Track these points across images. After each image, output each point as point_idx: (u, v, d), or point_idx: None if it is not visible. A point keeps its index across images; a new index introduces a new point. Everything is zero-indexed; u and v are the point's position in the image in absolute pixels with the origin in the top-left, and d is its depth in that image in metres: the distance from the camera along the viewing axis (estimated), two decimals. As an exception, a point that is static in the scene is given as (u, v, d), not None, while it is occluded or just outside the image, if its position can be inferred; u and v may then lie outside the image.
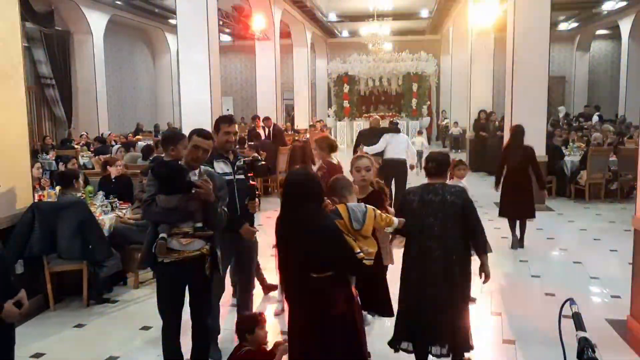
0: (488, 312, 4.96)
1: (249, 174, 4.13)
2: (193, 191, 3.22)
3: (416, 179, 7.21)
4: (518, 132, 6.99)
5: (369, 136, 9.01)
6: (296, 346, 2.89)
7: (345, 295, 2.83)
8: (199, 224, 3.29)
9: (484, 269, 3.45)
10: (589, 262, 6.32)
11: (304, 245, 2.72)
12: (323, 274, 2.72)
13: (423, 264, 3.37)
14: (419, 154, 12.53)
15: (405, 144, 8.53)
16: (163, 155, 3.40)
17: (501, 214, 7.06)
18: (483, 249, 3.48)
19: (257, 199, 4.24)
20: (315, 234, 2.70)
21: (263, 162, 4.35)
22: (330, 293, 2.76)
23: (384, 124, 12.44)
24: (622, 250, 6.45)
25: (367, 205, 3.04)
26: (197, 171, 3.40)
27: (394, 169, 8.11)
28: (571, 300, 1.63)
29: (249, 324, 3.31)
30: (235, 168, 4.00)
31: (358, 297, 3.02)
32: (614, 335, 4.36)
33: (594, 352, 1.46)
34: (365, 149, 8.18)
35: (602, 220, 8.51)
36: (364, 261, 2.79)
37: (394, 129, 8.86)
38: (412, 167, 8.71)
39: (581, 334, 1.51)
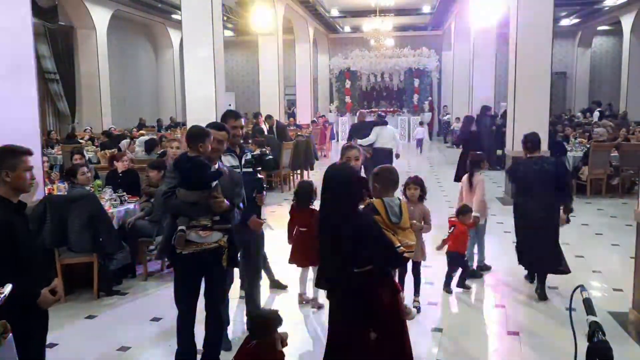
0: (492, 305, 5.04)
1: (257, 168, 4.22)
2: (213, 184, 3.29)
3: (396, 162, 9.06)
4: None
5: (360, 129, 10.10)
6: (337, 337, 2.92)
7: (388, 288, 2.86)
8: (217, 217, 3.37)
9: (566, 214, 5.16)
10: (591, 256, 6.39)
11: (344, 242, 2.72)
12: (364, 268, 2.75)
13: (530, 211, 5.15)
14: (420, 141, 17.72)
15: (392, 135, 9.65)
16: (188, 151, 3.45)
17: None
18: (569, 199, 5.19)
19: (264, 192, 4.33)
20: (355, 231, 2.70)
21: (270, 157, 4.42)
22: (373, 287, 2.79)
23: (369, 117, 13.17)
24: (623, 244, 6.52)
25: (400, 198, 3.01)
26: (215, 166, 3.48)
27: (383, 156, 9.03)
28: (582, 287, 1.70)
29: (266, 325, 3.24)
30: (243, 162, 4.09)
31: (402, 292, 3.06)
32: (616, 328, 4.43)
33: (604, 335, 1.53)
34: (359, 141, 9.12)
35: (603, 215, 8.58)
36: (405, 254, 2.79)
37: (382, 122, 9.98)
38: (397, 156, 9.64)
39: (592, 318, 1.58)
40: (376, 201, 2.91)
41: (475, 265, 5.87)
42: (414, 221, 4.65)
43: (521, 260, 5.38)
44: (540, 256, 5.15)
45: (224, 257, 3.45)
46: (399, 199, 2.96)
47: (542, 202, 5.06)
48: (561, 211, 5.12)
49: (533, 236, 5.19)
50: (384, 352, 2.79)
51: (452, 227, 5.27)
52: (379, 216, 2.83)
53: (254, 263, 4.45)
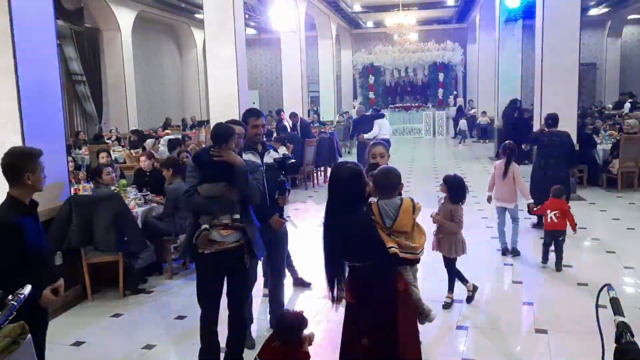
0: (519, 302, 4.94)
1: (281, 172, 4.21)
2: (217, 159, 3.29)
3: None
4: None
5: (363, 124, 10.75)
6: (347, 331, 3.01)
7: (389, 282, 2.86)
8: (237, 215, 3.37)
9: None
10: (622, 251, 6.22)
11: (345, 237, 2.82)
12: (364, 263, 2.81)
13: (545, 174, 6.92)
14: (463, 133, 19.03)
15: (388, 126, 11.00)
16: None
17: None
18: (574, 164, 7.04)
19: (287, 193, 4.32)
20: (352, 227, 2.78)
21: (293, 160, 4.41)
22: (372, 280, 2.81)
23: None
24: (657, 239, 6.33)
25: (404, 198, 2.89)
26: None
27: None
28: (609, 286, 1.63)
29: (291, 329, 3.20)
30: (264, 165, 4.08)
31: (414, 292, 3.04)
32: (649, 325, 4.31)
33: (632, 336, 1.47)
34: (365, 135, 10.12)
35: (635, 209, 8.34)
36: (404, 255, 2.74)
37: (381, 115, 11.25)
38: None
39: (619, 318, 1.52)
40: (372, 203, 2.89)
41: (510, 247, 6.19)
42: (437, 216, 4.64)
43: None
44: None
45: (245, 256, 3.44)
46: (401, 200, 2.85)
47: (557, 170, 7.00)
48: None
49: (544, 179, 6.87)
50: (378, 351, 2.82)
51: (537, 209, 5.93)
52: (375, 217, 2.82)
53: (277, 261, 4.44)
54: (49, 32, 5.09)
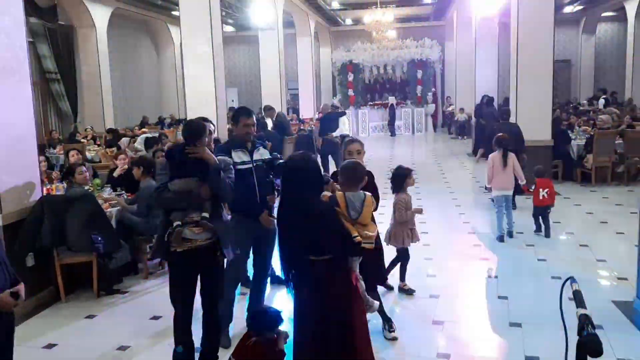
0: (495, 296, 4.99)
1: (270, 172, 4.21)
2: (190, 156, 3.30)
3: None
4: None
5: (331, 121, 11.01)
6: (301, 327, 2.97)
7: (345, 279, 2.88)
8: (206, 214, 3.34)
9: None
10: (595, 245, 6.32)
11: (303, 230, 2.80)
12: (322, 257, 2.80)
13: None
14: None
15: (348, 124, 12.05)
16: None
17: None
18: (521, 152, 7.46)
19: (275, 193, 4.33)
20: (314, 219, 2.77)
21: (282, 161, 4.40)
22: (330, 276, 2.82)
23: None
24: (629, 232, 6.44)
25: (366, 193, 3.05)
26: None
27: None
28: (572, 279, 1.65)
29: (265, 322, 3.19)
30: (254, 162, 4.06)
31: (360, 286, 3.06)
32: (620, 317, 4.38)
33: (594, 328, 1.49)
34: (335, 133, 10.51)
35: (608, 203, 8.48)
36: (364, 245, 2.85)
37: (343, 112, 11.87)
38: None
39: (581, 311, 1.53)
40: (339, 194, 2.99)
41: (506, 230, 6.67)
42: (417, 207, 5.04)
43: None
44: None
45: (218, 253, 3.42)
46: (364, 194, 3.02)
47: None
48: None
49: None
50: (337, 344, 2.84)
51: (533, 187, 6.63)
52: (338, 209, 2.91)
53: (265, 258, 4.41)
54: (19, 30, 4.99)
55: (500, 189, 6.60)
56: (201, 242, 3.35)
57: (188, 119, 8.24)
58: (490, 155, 6.77)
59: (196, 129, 3.35)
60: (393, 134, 20.45)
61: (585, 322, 1.49)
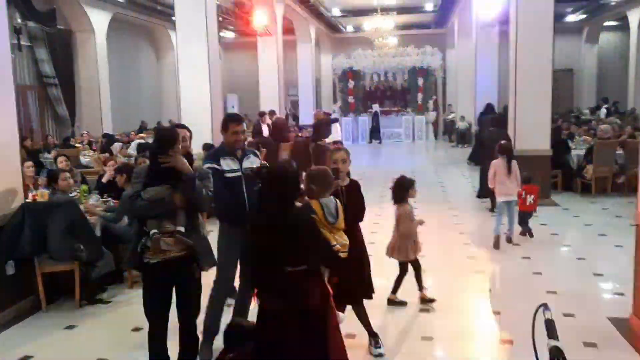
0: (487, 311, 4.84)
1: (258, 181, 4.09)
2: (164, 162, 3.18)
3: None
4: None
5: (325, 128, 11.26)
6: (267, 337, 2.84)
7: (319, 290, 2.82)
8: (181, 228, 3.21)
9: None
10: (593, 258, 6.17)
11: (279, 240, 2.72)
12: (297, 267, 2.73)
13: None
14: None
15: (340, 130, 12.61)
16: None
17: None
18: None
19: None
20: (293, 228, 2.72)
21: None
22: (306, 286, 2.76)
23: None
24: (627, 246, 6.25)
25: (336, 199, 3.16)
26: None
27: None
28: (544, 306, 1.52)
29: (241, 335, 3.13)
30: (243, 170, 3.94)
31: (332, 295, 2.98)
32: (615, 334, 4.23)
33: (566, 363, 1.35)
34: (329, 139, 10.78)
35: (608, 215, 8.32)
36: (340, 254, 2.91)
37: (335, 119, 12.68)
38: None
39: (552, 342, 1.40)
40: (313, 202, 3.01)
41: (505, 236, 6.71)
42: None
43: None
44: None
45: (194, 265, 3.29)
46: (336, 200, 3.11)
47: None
48: None
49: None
50: (309, 355, 2.76)
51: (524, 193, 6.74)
52: (315, 216, 2.94)
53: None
54: (2, 37, 4.90)
55: (505, 195, 6.55)
56: (176, 253, 3.22)
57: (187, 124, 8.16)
58: (492, 162, 6.69)
59: (167, 136, 3.23)
60: (379, 140, 20.42)
61: (556, 355, 1.36)
